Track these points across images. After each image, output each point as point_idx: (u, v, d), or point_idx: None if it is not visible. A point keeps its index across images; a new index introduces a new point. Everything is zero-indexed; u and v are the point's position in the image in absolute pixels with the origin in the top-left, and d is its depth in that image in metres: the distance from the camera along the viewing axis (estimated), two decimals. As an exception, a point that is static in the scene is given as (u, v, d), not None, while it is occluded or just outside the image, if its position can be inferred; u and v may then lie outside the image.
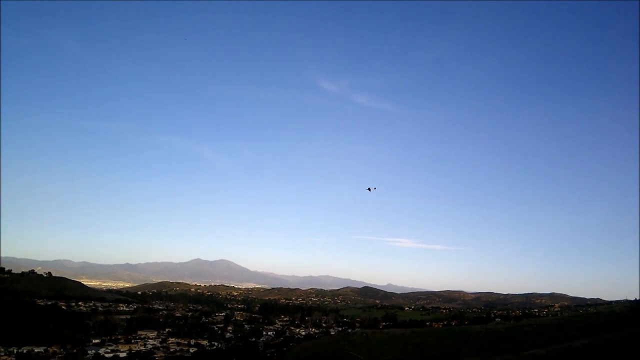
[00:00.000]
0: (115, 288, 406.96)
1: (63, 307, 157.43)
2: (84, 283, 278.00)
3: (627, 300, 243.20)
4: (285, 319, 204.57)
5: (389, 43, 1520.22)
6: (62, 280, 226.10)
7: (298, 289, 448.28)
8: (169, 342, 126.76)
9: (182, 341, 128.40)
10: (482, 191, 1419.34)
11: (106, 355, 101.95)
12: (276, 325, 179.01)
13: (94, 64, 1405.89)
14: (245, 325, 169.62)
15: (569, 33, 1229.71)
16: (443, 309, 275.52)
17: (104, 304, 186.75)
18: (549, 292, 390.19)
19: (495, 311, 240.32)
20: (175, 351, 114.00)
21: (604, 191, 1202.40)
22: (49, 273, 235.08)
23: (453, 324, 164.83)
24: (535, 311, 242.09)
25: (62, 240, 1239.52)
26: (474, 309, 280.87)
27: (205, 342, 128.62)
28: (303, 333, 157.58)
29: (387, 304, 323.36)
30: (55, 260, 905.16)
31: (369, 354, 77.45)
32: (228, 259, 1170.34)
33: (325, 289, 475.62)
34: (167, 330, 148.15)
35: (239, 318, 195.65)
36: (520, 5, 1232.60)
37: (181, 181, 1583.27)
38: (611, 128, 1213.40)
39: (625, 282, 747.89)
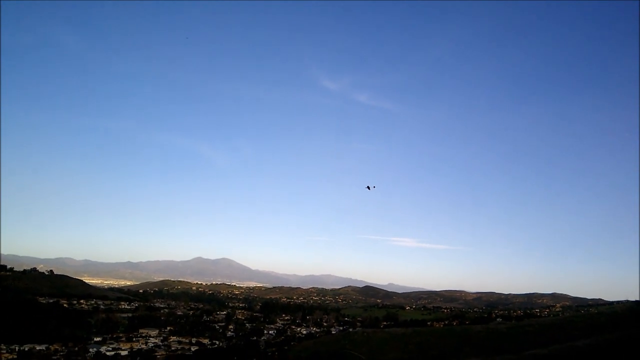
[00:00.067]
0: (116, 286, 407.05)
1: (65, 305, 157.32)
2: (86, 281, 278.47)
3: (628, 300, 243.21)
4: (286, 317, 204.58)
5: (390, 42, 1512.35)
6: (63, 278, 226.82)
7: (299, 287, 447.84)
8: (171, 340, 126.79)
9: (184, 340, 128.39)
10: (483, 190, 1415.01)
11: (107, 353, 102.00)
12: (277, 324, 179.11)
13: (94, 62, 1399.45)
14: (247, 324, 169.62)
15: (569, 33, 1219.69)
16: (444, 308, 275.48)
17: (106, 302, 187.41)
18: (550, 292, 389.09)
19: (496, 311, 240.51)
20: (177, 349, 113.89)
21: (604, 191, 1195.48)
22: (51, 271, 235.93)
23: (454, 323, 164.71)
24: (536, 311, 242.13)
25: (63, 238, 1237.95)
26: (475, 309, 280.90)
27: (206, 341, 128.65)
28: (304, 332, 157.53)
29: (388, 304, 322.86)
30: (57, 258, 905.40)
31: (370, 353, 77.55)
32: (229, 258, 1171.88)
33: (327, 288, 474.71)
34: (168, 328, 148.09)
35: (240, 317, 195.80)
36: (520, 5, 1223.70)
37: (182, 179, 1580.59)
38: (611, 128, 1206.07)
39: (626, 282, 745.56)
